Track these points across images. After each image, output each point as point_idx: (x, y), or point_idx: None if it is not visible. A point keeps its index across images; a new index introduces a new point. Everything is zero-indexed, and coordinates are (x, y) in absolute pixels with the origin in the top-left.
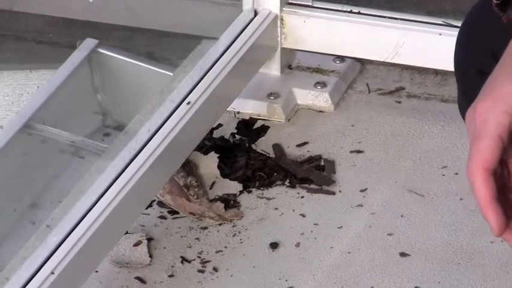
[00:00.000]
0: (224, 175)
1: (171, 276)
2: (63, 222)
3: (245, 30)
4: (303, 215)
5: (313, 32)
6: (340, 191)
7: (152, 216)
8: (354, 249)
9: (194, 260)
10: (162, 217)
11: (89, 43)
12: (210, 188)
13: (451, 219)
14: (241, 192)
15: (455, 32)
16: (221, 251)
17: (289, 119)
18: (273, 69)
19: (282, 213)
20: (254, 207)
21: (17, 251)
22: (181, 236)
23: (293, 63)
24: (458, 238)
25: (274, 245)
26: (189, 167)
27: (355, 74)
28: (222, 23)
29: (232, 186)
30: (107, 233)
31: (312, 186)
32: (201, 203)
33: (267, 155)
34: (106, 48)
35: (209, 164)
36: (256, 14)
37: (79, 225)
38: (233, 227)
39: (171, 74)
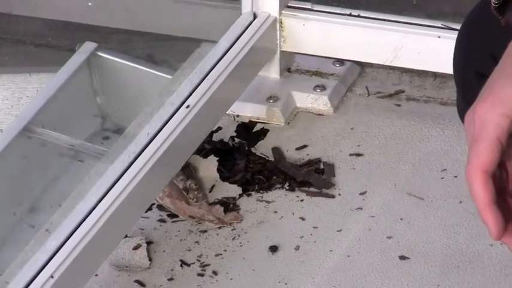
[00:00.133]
0: (223, 178)
1: (170, 279)
2: (63, 226)
3: (244, 34)
4: (303, 218)
5: (312, 35)
6: (339, 194)
7: (152, 219)
8: (354, 252)
9: (194, 263)
10: (162, 220)
11: (88, 46)
12: (210, 191)
13: (450, 222)
14: (240, 195)
15: (454, 35)
16: (221, 255)
17: (288, 122)
18: (272, 72)
19: (282, 217)
20: (253, 210)
21: (16, 254)
22: (181, 240)
23: (292, 66)
24: (458, 241)
25: (273, 248)
26: (188, 170)
27: (354, 77)
28: (221, 26)
29: (232, 190)
30: (106, 236)
31: (312, 189)
32: (200, 206)
33: (267, 158)
34: (105, 52)
35: (208, 167)
36: (255, 17)
37: (78, 229)
38: (233, 230)
39: (171, 77)
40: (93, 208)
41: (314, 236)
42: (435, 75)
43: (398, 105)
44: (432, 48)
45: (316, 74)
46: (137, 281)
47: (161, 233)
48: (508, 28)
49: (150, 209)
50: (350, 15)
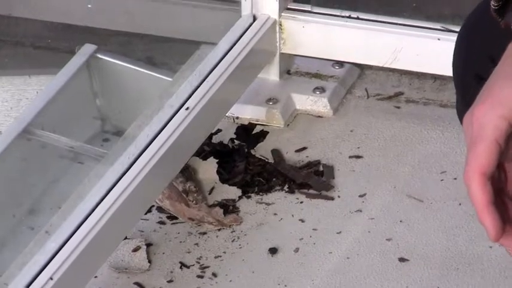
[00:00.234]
0: (223, 180)
1: (170, 281)
2: (62, 227)
3: (244, 36)
4: (302, 220)
5: (312, 37)
6: (339, 196)
7: (151, 221)
8: (353, 254)
9: (193, 265)
10: (161, 222)
11: (87, 48)
12: (209, 193)
13: (450, 224)
14: (240, 197)
15: (453, 37)
16: (220, 256)
17: (288, 124)
18: (271, 74)
19: (281, 219)
20: (253, 212)
21: (15, 256)
22: (180, 242)
23: (292, 68)
24: (457, 243)
25: (273, 250)
26: (188, 172)
27: (353, 79)
28: (221, 28)
29: (231, 192)
30: (106, 238)
31: (311, 191)
32: (200, 208)
33: (266, 160)
34: (105, 54)
35: (208, 169)
36: (255, 19)
37: (78, 231)
38: (232, 232)
39: (170, 79)
40: (93, 210)
41: (313, 238)
42: (434, 77)
43: (398, 107)
44: (432, 50)
45: (316, 76)
46: (137, 283)
47: (161, 235)
48: (507, 30)
49: (149, 211)
50: (349, 17)
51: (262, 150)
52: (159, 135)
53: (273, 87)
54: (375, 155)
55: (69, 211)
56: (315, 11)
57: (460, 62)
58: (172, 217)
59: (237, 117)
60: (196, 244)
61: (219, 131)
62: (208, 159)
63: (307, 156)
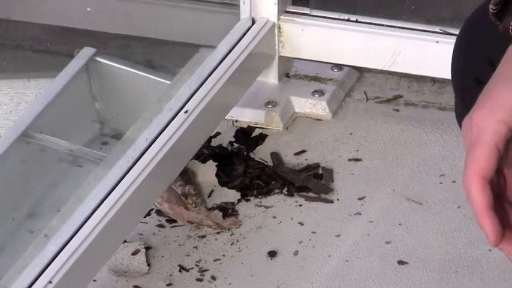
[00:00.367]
0: (222, 183)
1: (169, 285)
2: (61, 231)
3: (243, 39)
4: (301, 223)
5: (311, 40)
6: (338, 199)
7: (150, 224)
8: (352, 257)
9: (192, 268)
10: (160, 226)
11: (86, 52)
12: (208, 197)
13: (449, 227)
14: (239, 200)
15: (452, 40)
16: (219, 260)
17: (287, 127)
18: (270, 77)
19: (280, 222)
20: (252, 215)
21: (15, 260)
22: (180, 245)
23: (291, 71)
24: (457, 246)
25: (272, 254)
26: (187, 176)
27: (352, 82)
28: (220, 32)
29: (231, 195)
30: (105, 241)
31: (310, 194)
32: (199, 211)
33: (265, 163)
34: (104, 57)
35: (207, 173)
36: (253, 22)
37: (77, 234)
38: (231, 235)
39: (169, 82)
40: (92, 213)
41: (313, 241)
42: (434, 80)
43: (397, 110)
44: (430, 53)
45: (315, 79)
46: (136, 286)
47: (160, 238)
48: (506, 34)
49: (148, 214)
50: (348, 20)
51: (261, 153)
52: (158, 138)
53: (272, 90)
54: (374, 158)
55: (68, 214)
56: (313, 14)
57: (459, 65)
58: (171, 220)
59: (236, 120)
60: (196, 247)
61: (218, 134)
62: (207, 162)
63: (306, 159)
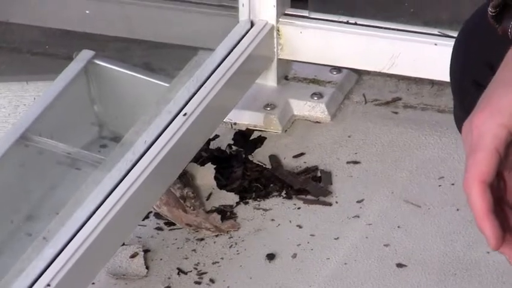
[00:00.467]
0: (221, 186)
1: (167, 287)
2: (60, 234)
3: (241, 41)
4: (300, 226)
5: (310, 43)
6: (336, 202)
7: (149, 227)
8: (351, 260)
9: (191, 271)
10: (159, 228)
11: (85, 54)
12: (207, 199)
13: (447, 229)
14: (237, 203)
15: (451, 42)
16: (218, 263)
17: (285, 130)
18: (269, 80)
19: (279, 224)
20: (251, 218)
21: (13, 263)
22: (178, 248)
23: (289, 74)
24: (455, 249)
25: (270, 256)
26: (185, 178)
27: (351, 84)
28: (219, 34)
29: (229, 198)
30: (104, 244)
31: (309, 197)
32: (197, 214)
33: (264, 166)
34: (102, 60)
35: (206, 175)
36: (252, 25)
37: (75, 237)
38: (230, 238)
39: (168, 85)
40: (91, 216)
41: (311, 244)
42: (432, 82)
43: (396, 113)
44: (429, 55)
45: (314, 81)
46: None
47: (158, 241)
48: (504, 37)
49: (147, 217)
50: (347, 23)
51: (260, 156)
52: (157, 141)
53: (270, 93)
54: (373, 160)
55: (67, 217)
56: (312, 16)
57: (457, 68)
58: (169, 223)
59: (235, 123)
60: (194, 250)
61: (216, 136)
62: (206, 165)
63: (304, 162)
